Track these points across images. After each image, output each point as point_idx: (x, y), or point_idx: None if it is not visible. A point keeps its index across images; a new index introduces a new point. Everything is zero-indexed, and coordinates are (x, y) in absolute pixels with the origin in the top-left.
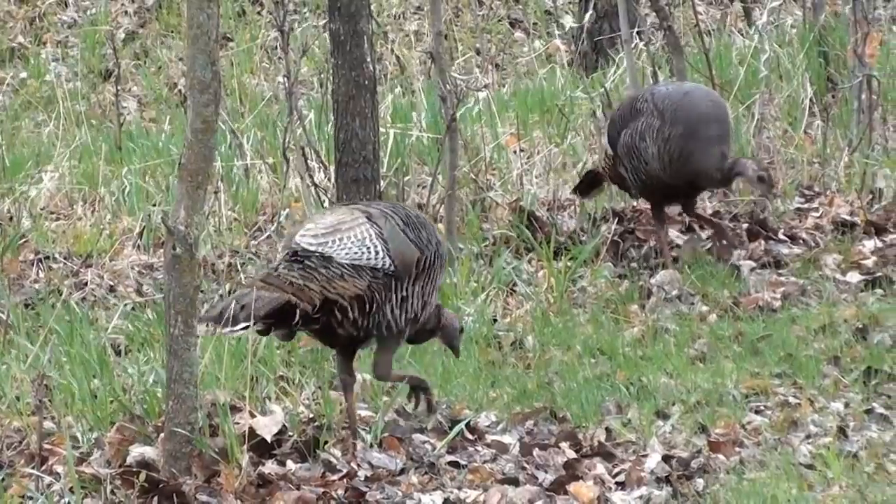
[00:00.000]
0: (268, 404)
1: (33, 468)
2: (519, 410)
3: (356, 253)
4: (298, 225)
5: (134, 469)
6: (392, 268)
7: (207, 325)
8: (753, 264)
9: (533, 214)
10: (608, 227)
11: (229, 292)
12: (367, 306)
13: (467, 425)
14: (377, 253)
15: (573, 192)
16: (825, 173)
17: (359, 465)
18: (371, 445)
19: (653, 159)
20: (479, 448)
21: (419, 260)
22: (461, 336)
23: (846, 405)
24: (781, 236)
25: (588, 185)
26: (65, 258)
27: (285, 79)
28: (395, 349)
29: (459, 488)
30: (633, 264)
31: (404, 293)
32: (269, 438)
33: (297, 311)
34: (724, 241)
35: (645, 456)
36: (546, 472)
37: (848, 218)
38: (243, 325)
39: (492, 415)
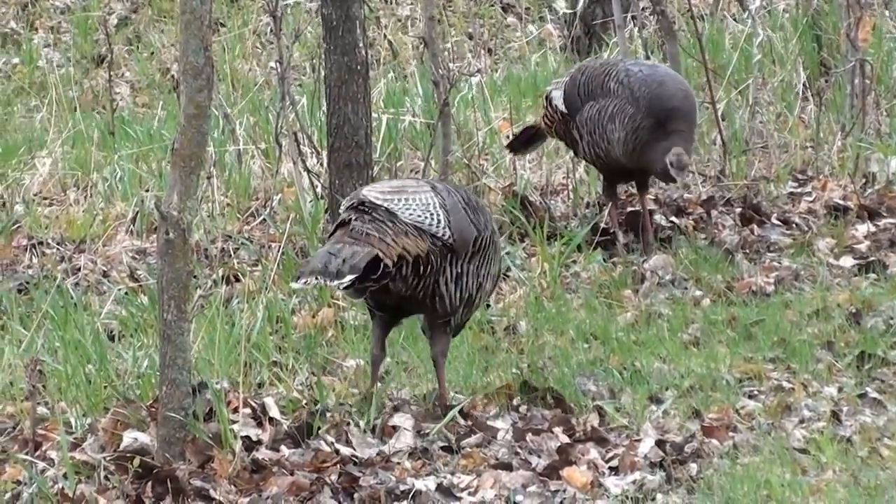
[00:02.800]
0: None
1: (27, 454)
2: (511, 394)
3: (419, 216)
4: (362, 187)
5: (128, 454)
6: (451, 240)
7: (317, 279)
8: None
9: (526, 199)
10: (600, 215)
11: (223, 278)
12: (423, 268)
13: (460, 411)
14: (439, 221)
15: (507, 148)
16: (818, 157)
17: (353, 451)
18: (364, 431)
19: (617, 143)
20: (473, 433)
21: (476, 239)
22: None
23: (840, 390)
24: (774, 221)
25: (525, 142)
26: (58, 244)
27: (278, 64)
28: (448, 330)
29: (453, 473)
30: (625, 249)
31: (459, 270)
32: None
33: (381, 265)
34: (646, 242)
35: (638, 441)
36: (539, 456)
37: (841, 202)
38: (349, 277)
39: (485, 400)
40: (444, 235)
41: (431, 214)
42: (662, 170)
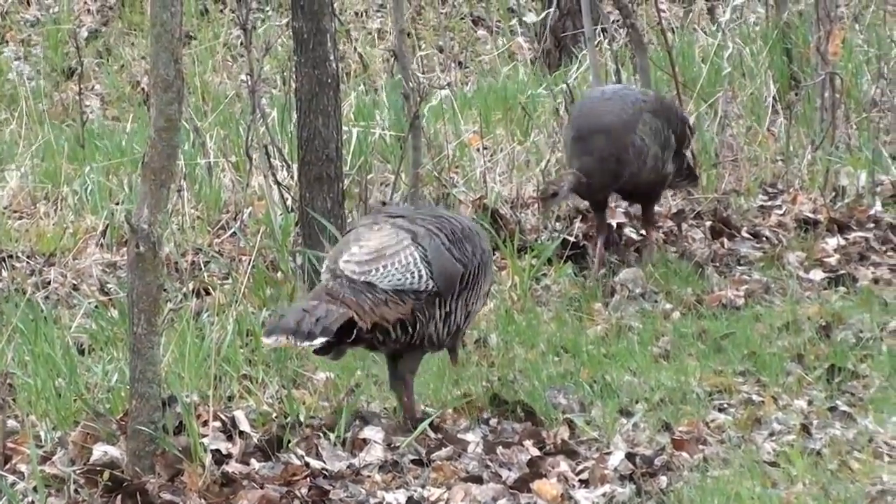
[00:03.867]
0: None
1: None
2: (481, 407)
3: (399, 279)
4: (343, 245)
5: (97, 468)
6: (435, 289)
7: (288, 338)
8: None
9: (497, 212)
10: (571, 227)
11: (193, 291)
12: (411, 328)
13: (431, 424)
14: (420, 277)
15: None
16: (788, 171)
17: (323, 464)
18: (334, 444)
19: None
20: (443, 446)
21: (463, 275)
22: (459, 343)
23: (810, 403)
24: (745, 234)
25: None
26: (28, 257)
27: (248, 77)
28: (425, 352)
29: (423, 486)
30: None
31: (448, 309)
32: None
33: (355, 329)
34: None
35: (608, 454)
36: (510, 469)
37: (811, 216)
38: (321, 339)
39: (456, 413)
40: (427, 288)
41: (412, 273)
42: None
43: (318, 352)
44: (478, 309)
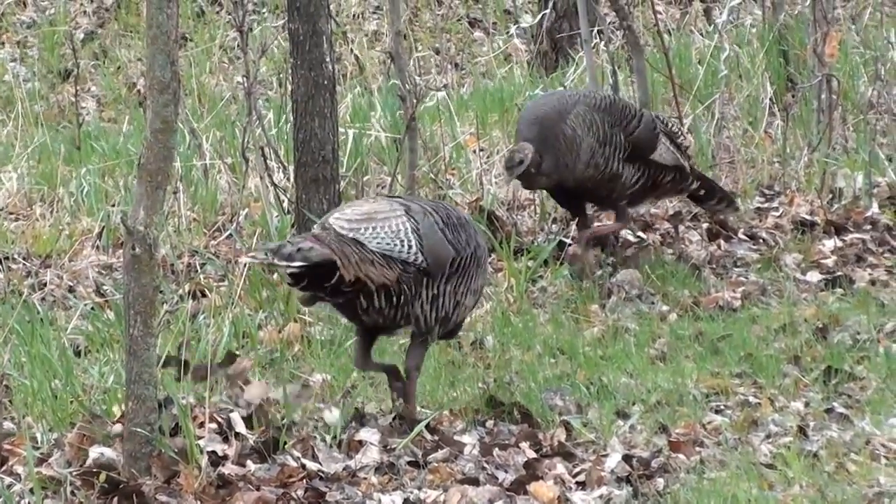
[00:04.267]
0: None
1: None
2: (478, 409)
3: (388, 244)
4: (336, 208)
5: (94, 470)
6: (424, 264)
7: (266, 255)
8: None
9: (493, 214)
10: (567, 229)
11: (189, 293)
12: (395, 298)
13: (427, 426)
14: (410, 247)
15: None
16: (785, 173)
17: (319, 466)
18: (330, 445)
19: None
20: (440, 448)
21: (454, 260)
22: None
23: (806, 405)
24: (741, 236)
25: None
26: (24, 258)
27: (244, 79)
28: (427, 344)
29: (419, 488)
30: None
31: (435, 291)
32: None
33: (336, 274)
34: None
35: (605, 456)
36: (506, 471)
37: (808, 217)
38: (298, 263)
39: (452, 415)
40: (416, 261)
41: (402, 241)
42: None
43: (293, 283)
44: (469, 303)
